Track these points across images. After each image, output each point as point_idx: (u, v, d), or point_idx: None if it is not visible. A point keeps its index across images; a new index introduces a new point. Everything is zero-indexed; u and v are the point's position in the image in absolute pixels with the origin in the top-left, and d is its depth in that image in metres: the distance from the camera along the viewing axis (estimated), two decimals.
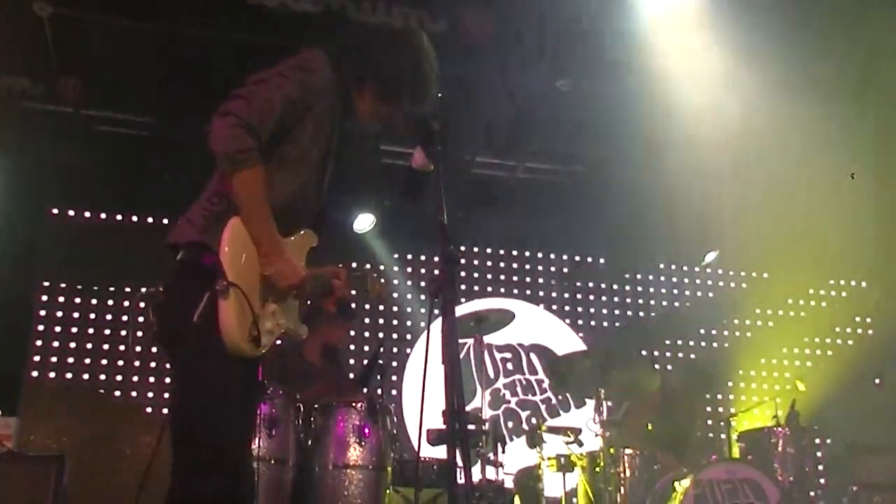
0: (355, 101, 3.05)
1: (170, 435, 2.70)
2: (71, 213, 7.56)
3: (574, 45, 6.97)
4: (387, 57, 3.03)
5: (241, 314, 2.67)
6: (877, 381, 7.22)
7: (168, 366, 2.88)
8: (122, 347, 7.35)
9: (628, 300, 9.01)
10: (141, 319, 2.79)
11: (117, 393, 7.26)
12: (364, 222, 7.76)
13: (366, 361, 5.38)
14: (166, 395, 7.28)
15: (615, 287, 9.01)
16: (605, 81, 7.17)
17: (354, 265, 3.40)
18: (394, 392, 7.78)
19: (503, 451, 5.70)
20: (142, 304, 2.94)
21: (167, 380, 7.33)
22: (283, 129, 2.79)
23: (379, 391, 5.02)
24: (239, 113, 2.68)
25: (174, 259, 2.80)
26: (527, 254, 8.81)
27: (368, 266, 3.34)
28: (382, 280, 3.45)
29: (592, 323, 8.83)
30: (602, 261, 8.97)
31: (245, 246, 2.73)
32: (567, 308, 8.80)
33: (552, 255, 8.88)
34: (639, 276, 9.10)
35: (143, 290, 2.88)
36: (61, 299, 7.42)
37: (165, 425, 2.70)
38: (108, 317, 7.43)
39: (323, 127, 2.92)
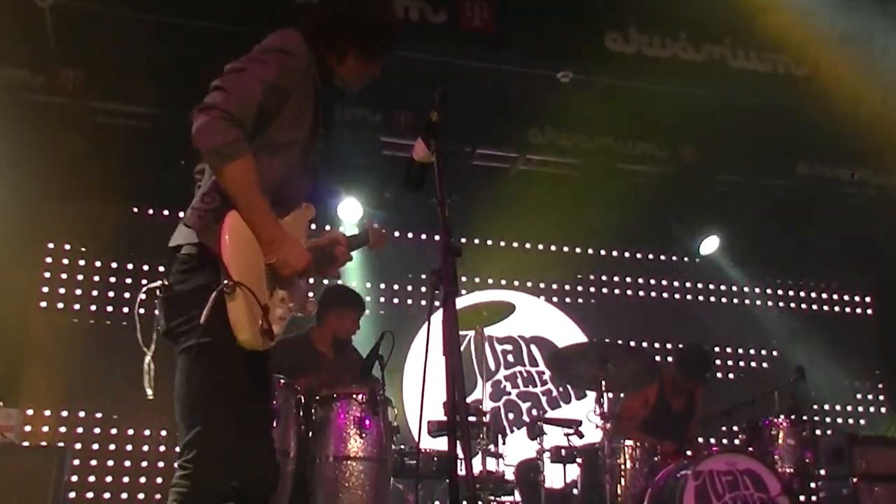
0: (338, 71, 3.00)
1: (179, 428, 2.71)
2: (72, 204, 7.56)
3: (575, 36, 6.97)
4: (357, 16, 3.00)
5: (249, 310, 2.65)
6: None
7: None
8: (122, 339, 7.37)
9: (629, 292, 9.01)
10: (142, 311, 2.76)
11: (119, 384, 7.26)
12: (365, 213, 7.76)
13: (366, 354, 5.38)
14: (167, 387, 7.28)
15: (616, 279, 9.01)
16: (606, 73, 7.18)
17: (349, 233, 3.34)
18: (394, 384, 7.78)
19: (504, 443, 5.71)
20: (142, 297, 2.88)
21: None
22: (268, 114, 2.76)
23: (380, 383, 5.03)
24: (220, 105, 2.64)
25: (176, 257, 2.78)
26: (527, 246, 8.81)
27: (365, 221, 3.30)
28: (381, 229, 3.41)
29: (593, 315, 8.83)
30: (602, 252, 8.97)
31: (246, 238, 2.71)
32: (568, 300, 8.81)
33: (553, 247, 8.87)
34: (639, 268, 9.10)
35: (147, 286, 2.84)
36: (62, 290, 7.42)
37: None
38: (109, 308, 7.44)
39: (307, 107, 2.90)
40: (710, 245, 8.70)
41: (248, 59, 2.78)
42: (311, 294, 3.08)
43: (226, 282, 2.61)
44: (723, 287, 9.23)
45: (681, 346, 8.56)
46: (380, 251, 3.44)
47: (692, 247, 8.77)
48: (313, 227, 3.12)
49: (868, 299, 9.61)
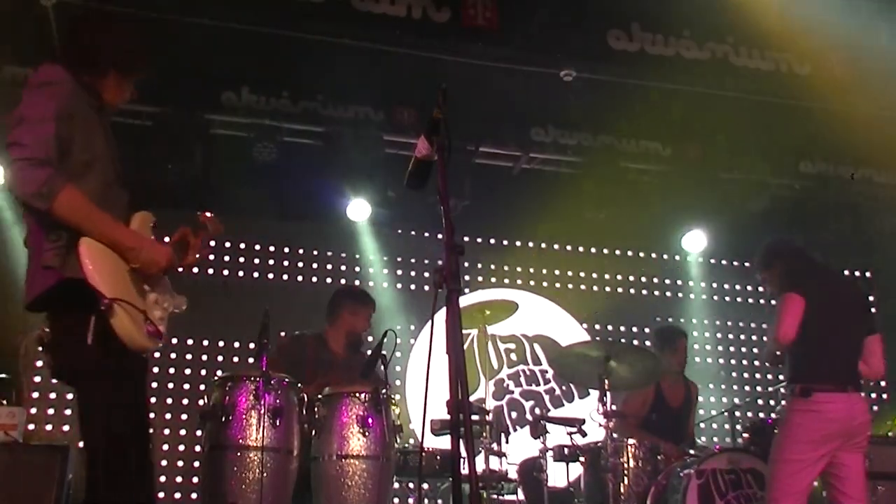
0: (102, 90, 3.16)
1: (85, 455, 2.85)
2: None
3: (578, 35, 6.96)
4: (106, 40, 3.19)
5: (132, 320, 2.84)
6: None
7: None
8: None
9: (632, 290, 8.99)
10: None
11: None
12: (366, 211, 7.77)
13: (369, 352, 5.39)
14: (170, 385, 7.30)
15: (619, 277, 9.00)
16: (610, 71, 7.18)
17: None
18: (398, 382, 7.79)
19: (507, 442, 5.71)
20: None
21: (171, 369, 7.36)
22: (67, 141, 2.88)
23: (383, 381, 5.03)
24: (21, 155, 2.78)
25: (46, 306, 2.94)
26: (530, 244, 8.80)
27: (198, 212, 3.43)
28: (212, 217, 3.55)
29: (597, 313, 8.82)
30: (605, 251, 8.96)
31: (105, 255, 2.87)
32: (571, 298, 8.79)
33: (556, 246, 8.87)
34: (643, 267, 9.09)
35: (31, 334, 3.06)
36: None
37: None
38: None
39: (92, 124, 3.04)
40: (693, 240, 8.66)
41: (23, 107, 2.89)
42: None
43: (103, 301, 2.76)
44: (726, 286, 9.22)
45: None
46: (218, 235, 3.60)
47: (693, 245, 8.73)
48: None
49: (870, 298, 9.58)
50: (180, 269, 3.27)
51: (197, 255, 3.37)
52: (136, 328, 2.85)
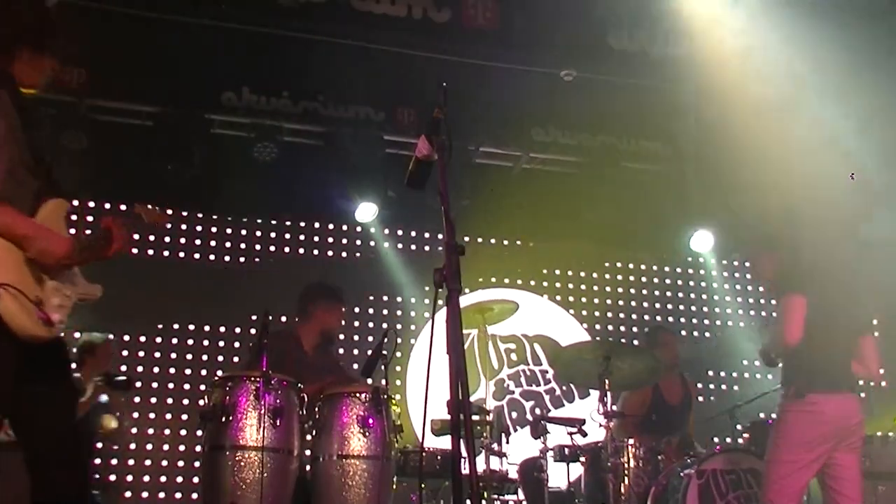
0: (15, 72, 3.05)
1: None
2: (74, 202, 7.55)
3: (578, 35, 6.97)
4: (8, 18, 3.06)
5: (21, 306, 2.80)
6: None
7: None
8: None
9: (632, 290, 8.99)
10: None
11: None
12: (367, 212, 7.77)
13: (369, 352, 5.38)
14: (170, 385, 7.31)
15: (619, 277, 9.00)
16: (610, 71, 7.18)
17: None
18: (398, 382, 7.79)
19: (507, 442, 5.71)
20: None
21: (171, 369, 7.35)
22: None
23: (383, 381, 5.03)
24: None
25: None
26: (530, 244, 8.80)
27: (136, 204, 3.37)
28: (154, 208, 3.52)
29: (597, 313, 8.82)
30: (605, 251, 8.95)
31: None
32: (571, 298, 8.80)
33: (556, 246, 8.86)
34: (643, 267, 9.09)
35: None
36: None
37: None
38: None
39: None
40: (701, 240, 8.65)
41: None
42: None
43: None
44: (726, 286, 9.22)
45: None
46: (160, 228, 3.52)
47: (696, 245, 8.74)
48: None
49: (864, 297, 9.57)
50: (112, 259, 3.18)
51: (128, 247, 3.25)
52: (25, 315, 2.80)
